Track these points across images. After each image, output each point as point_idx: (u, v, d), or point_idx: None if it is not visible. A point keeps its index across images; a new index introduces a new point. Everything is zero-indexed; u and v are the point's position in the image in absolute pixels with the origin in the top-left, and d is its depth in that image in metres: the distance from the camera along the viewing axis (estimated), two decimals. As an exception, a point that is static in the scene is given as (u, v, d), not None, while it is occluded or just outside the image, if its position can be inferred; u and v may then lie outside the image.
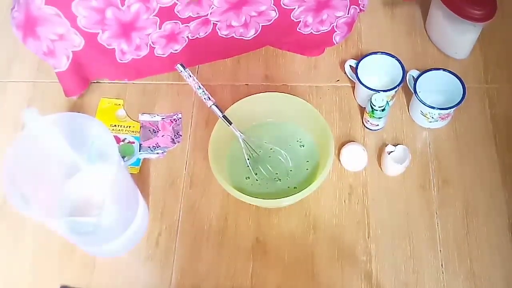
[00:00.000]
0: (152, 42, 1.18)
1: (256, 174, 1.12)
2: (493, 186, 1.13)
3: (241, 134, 1.09)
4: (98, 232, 1.00)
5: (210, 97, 1.08)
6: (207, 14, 1.15)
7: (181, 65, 1.09)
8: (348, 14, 1.24)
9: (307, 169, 1.12)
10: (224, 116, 1.08)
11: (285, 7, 1.17)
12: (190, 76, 1.09)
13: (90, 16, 1.06)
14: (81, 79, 1.20)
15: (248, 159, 1.11)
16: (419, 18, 1.36)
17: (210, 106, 1.08)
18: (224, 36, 1.22)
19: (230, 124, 1.08)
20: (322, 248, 1.08)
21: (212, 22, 1.18)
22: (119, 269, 1.08)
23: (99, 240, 1.03)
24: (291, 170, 1.12)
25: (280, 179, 1.12)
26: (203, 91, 1.08)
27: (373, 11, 1.34)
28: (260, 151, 1.13)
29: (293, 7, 1.18)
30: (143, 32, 1.14)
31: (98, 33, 1.10)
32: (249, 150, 1.11)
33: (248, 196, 1.02)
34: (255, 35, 1.24)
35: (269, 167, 1.12)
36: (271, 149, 1.14)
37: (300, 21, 1.22)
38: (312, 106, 1.11)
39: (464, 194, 1.13)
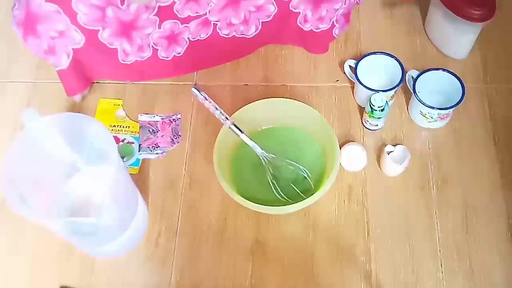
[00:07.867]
0: (154, 43, 1.18)
1: (275, 187, 1.10)
2: (492, 186, 1.13)
3: (263, 152, 1.09)
4: (97, 232, 1.00)
5: (228, 117, 1.09)
6: (206, 13, 1.15)
7: (196, 89, 1.13)
8: (344, 4, 1.23)
9: (310, 177, 1.11)
10: (244, 135, 1.09)
11: None
12: (206, 99, 1.12)
13: (90, 13, 1.06)
14: (82, 78, 1.20)
15: (272, 181, 1.10)
16: (418, 18, 1.36)
17: (229, 126, 1.09)
18: (225, 36, 1.22)
19: (251, 142, 1.09)
20: (321, 248, 1.08)
21: (212, 22, 1.18)
22: (118, 270, 1.07)
23: (98, 241, 1.03)
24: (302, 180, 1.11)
25: (296, 189, 1.10)
26: (220, 112, 1.10)
27: (372, 11, 1.34)
28: (276, 170, 1.12)
29: None
30: (143, 32, 1.14)
31: (99, 30, 1.10)
32: (269, 168, 1.10)
33: (255, 204, 1.01)
34: (256, 32, 1.23)
35: (291, 185, 1.10)
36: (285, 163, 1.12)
37: (299, 12, 1.21)
38: (317, 111, 1.10)
39: (463, 194, 1.13)
